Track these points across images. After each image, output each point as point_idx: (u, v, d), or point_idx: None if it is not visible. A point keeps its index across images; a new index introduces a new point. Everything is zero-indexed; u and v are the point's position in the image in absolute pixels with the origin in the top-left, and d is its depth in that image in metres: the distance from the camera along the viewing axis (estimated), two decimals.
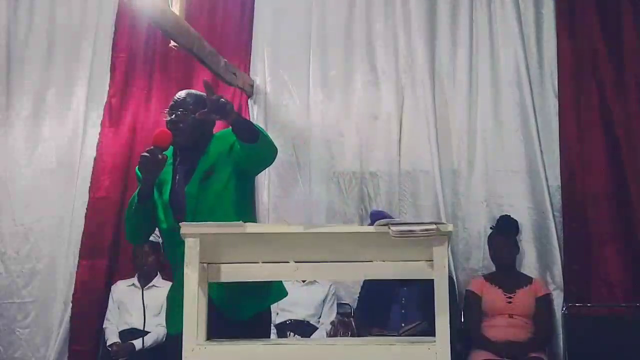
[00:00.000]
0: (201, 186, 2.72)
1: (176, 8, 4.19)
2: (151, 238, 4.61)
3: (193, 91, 2.90)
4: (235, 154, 2.70)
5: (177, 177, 2.79)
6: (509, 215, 4.55)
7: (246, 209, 2.79)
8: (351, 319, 4.48)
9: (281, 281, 2.87)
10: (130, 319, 4.57)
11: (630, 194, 4.58)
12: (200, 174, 2.73)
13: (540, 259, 4.61)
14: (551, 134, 4.75)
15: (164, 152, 2.69)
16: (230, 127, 2.63)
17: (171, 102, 2.83)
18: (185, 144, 2.76)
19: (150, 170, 2.69)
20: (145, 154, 2.67)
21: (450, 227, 2.30)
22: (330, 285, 4.56)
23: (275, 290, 2.84)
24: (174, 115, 2.76)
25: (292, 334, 4.32)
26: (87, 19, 5.21)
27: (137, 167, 2.76)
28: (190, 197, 2.72)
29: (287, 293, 2.91)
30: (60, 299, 4.85)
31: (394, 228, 2.29)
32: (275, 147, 2.75)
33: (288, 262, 2.42)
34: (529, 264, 4.61)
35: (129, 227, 2.88)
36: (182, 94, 2.85)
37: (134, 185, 4.87)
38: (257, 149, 2.62)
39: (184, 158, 2.81)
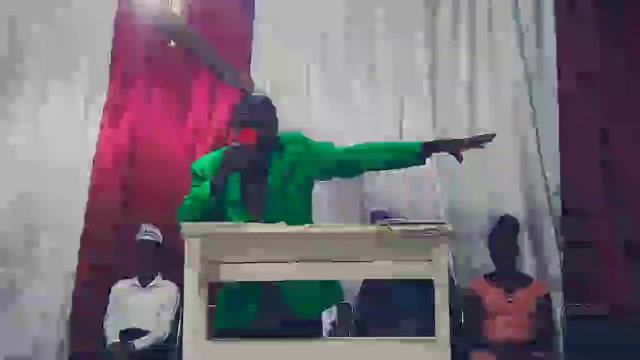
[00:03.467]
0: (282, 183, 2.76)
1: (176, 8, 4.19)
2: (152, 238, 4.69)
3: (259, 94, 2.98)
4: (321, 164, 2.82)
5: (246, 175, 2.79)
6: (509, 215, 4.55)
7: (310, 211, 2.86)
8: (351, 318, 4.48)
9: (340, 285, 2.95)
10: (130, 318, 4.57)
11: (630, 194, 4.59)
12: (281, 172, 2.77)
13: (540, 258, 4.62)
14: (551, 134, 4.75)
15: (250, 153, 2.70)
16: (297, 132, 2.87)
17: (244, 106, 2.88)
18: (267, 147, 2.77)
19: (235, 163, 2.69)
20: (241, 147, 2.69)
21: (450, 227, 2.30)
22: None
23: (338, 292, 2.95)
24: (251, 119, 2.78)
25: None
26: (87, 19, 5.20)
27: (194, 163, 2.81)
28: (273, 192, 2.75)
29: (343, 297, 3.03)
30: (60, 299, 4.85)
31: (394, 228, 2.29)
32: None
33: (288, 262, 2.43)
34: (529, 263, 4.62)
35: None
36: (253, 97, 3.05)
37: (134, 185, 4.97)
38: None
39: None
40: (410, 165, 2.88)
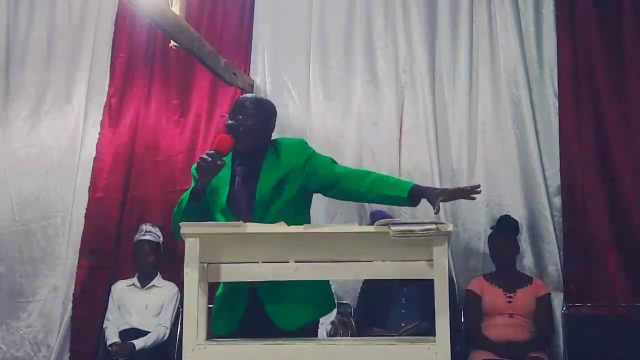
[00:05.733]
0: (273, 193, 2.70)
1: (176, 8, 4.19)
2: (152, 238, 4.69)
3: (251, 95, 2.91)
4: (317, 179, 2.72)
5: (237, 180, 2.77)
6: (509, 215, 4.55)
7: (305, 222, 2.78)
8: (351, 319, 4.48)
9: (332, 293, 2.92)
10: (130, 319, 4.57)
11: (629, 194, 4.58)
12: (273, 180, 2.71)
13: (540, 258, 4.61)
14: (551, 134, 4.75)
15: (223, 158, 2.66)
16: (299, 138, 2.83)
17: (232, 106, 2.85)
18: (245, 150, 2.73)
19: (208, 173, 2.65)
20: (206, 157, 2.64)
21: (450, 227, 2.31)
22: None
23: (328, 303, 2.89)
24: (234, 120, 2.75)
25: None
26: (87, 19, 5.20)
27: (194, 165, 2.75)
28: (261, 201, 2.70)
29: (336, 305, 2.97)
30: (61, 299, 4.85)
31: (394, 228, 2.30)
32: None
33: (288, 262, 2.43)
34: (528, 263, 4.61)
35: (176, 226, 2.88)
36: (242, 97, 2.90)
37: (135, 185, 4.98)
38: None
39: (242, 161, 2.78)
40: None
